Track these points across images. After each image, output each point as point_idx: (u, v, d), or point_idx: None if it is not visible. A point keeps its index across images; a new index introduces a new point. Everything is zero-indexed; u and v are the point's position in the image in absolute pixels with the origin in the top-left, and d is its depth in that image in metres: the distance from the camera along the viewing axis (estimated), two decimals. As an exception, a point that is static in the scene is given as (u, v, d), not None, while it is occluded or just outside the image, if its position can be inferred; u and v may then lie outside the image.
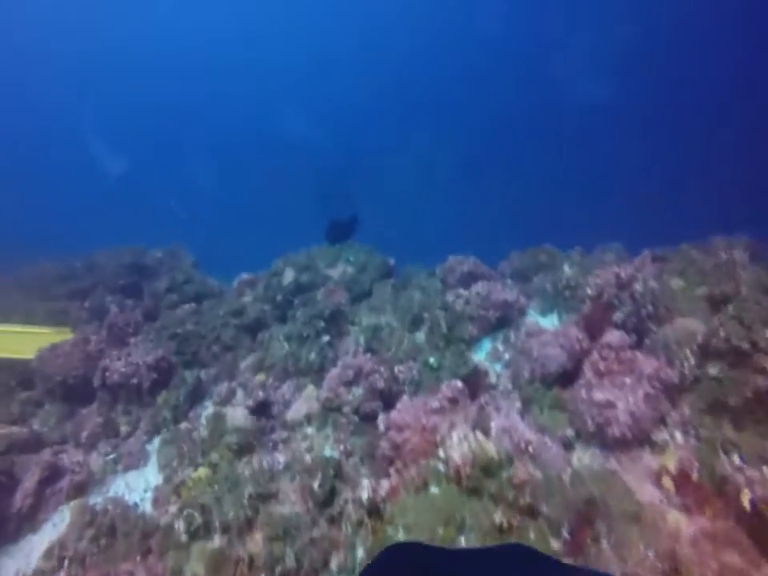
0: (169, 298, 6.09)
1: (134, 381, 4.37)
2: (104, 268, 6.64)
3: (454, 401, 3.09)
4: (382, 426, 3.10)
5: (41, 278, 6.77)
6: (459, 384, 3.19)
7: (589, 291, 3.76)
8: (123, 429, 4.28)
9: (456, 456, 1.94)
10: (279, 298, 5.56)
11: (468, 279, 5.44)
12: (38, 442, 4.29)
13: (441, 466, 2.00)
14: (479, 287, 4.61)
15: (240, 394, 4.48)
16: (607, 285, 3.63)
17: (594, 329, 3.76)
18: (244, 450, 3.70)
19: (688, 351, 2.74)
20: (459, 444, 2.03)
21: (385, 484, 2.12)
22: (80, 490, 3.76)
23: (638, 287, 3.44)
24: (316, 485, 2.57)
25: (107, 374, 4.46)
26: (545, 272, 5.52)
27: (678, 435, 2.42)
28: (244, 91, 29.97)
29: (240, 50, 30.90)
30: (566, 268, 5.35)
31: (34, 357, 4.73)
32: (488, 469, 1.82)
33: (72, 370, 4.68)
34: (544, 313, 4.68)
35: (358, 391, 3.72)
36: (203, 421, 4.19)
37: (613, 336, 3.03)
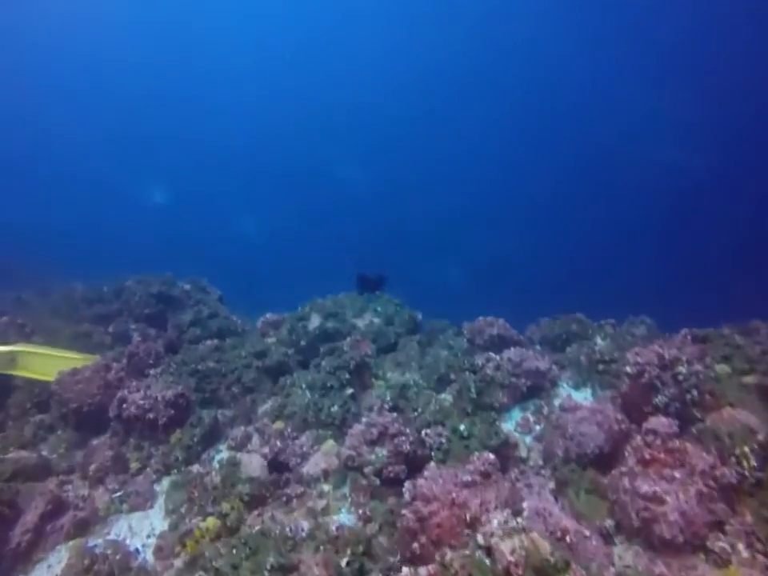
0: (192, 331, 6.07)
1: (151, 415, 4.26)
2: (132, 294, 6.69)
3: (485, 475, 2.91)
4: (407, 495, 2.92)
5: (70, 299, 6.85)
6: (491, 457, 3.01)
7: (628, 369, 3.61)
8: (133, 465, 4.13)
9: (506, 551, 1.77)
10: (303, 343, 5.50)
11: (497, 343, 5.34)
12: (45, 470, 4.17)
13: (486, 560, 1.83)
14: (511, 353, 4.49)
15: (256, 439, 4.34)
16: (649, 364, 3.48)
17: (633, 410, 3.59)
18: (256, 501, 3.52)
19: (747, 449, 2.56)
20: (505, 535, 1.87)
21: (423, 572, 1.94)
22: (81, 528, 3.59)
23: (682, 369, 3.29)
24: (344, 562, 2.39)
25: (124, 405, 4.37)
26: (576, 342, 5.39)
27: (742, 548, 2.20)
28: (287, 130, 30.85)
29: (281, 94, 32.06)
30: (599, 340, 5.24)
31: (54, 380, 4.69)
32: (541, 572, 1.65)
33: (89, 397, 4.62)
34: (577, 386, 4.51)
35: (381, 452, 3.55)
36: (216, 465, 4.04)
37: (659, 422, 2.86)
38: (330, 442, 3.97)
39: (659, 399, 3.25)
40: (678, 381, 3.25)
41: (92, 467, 4.11)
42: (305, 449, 4.05)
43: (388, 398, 4.14)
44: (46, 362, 4.92)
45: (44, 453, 4.44)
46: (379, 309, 5.82)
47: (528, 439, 3.92)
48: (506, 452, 3.54)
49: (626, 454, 3.00)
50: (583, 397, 4.34)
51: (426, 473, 3.00)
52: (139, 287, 6.65)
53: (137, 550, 3.40)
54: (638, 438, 2.97)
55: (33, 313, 6.55)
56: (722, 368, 3.57)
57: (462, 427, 3.58)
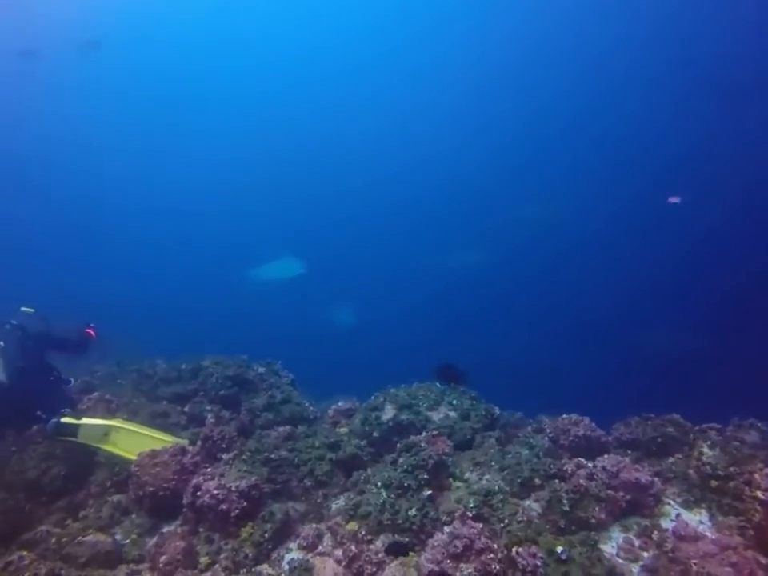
0: (265, 416, 6.08)
1: (224, 507, 4.17)
2: (209, 375, 6.89)
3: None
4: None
5: (151, 377, 7.16)
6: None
7: (760, 495, 3.15)
8: (203, 560, 3.98)
9: None
10: (376, 434, 5.34)
11: (583, 444, 4.93)
12: (117, 558, 4.13)
13: None
14: (606, 461, 4.08)
15: (328, 539, 4.10)
16: (785, 490, 3.02)
17: (768, 544, 3.07)
18: (329, 617, 3.23)
19: None
20: None
21: None
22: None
23: (832, 502, 2.81)
24: None
25: (198, 493, 4.32)
26: (675, 449, 4.86)
27: None
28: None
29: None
30: (706, 449, 4.67)
31: (134, 460, 4.78)
32: None
33: (165, 482, 4.62)
34: (688, 505, 3.97)
35: (467, 569, 3.21)
36: (286, 567, 3.82)
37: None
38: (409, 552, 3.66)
39: (807, 537, 2.75)
40: (830, 515, 2.76)
41: (163, 558, 4.00)
42: (380, 555, 3.75)
43: (471, 505, 3.81)
44: (135, 441, 5.05)
45: (117, 536, 4.42)
46: (455, 402, 5.60)
47: (635, 569, 3.40)
48: (613, 584, 3.08)
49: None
50: (698, 520, 3.79)
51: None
52: (217, 368, 6.85)
53: None
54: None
55: (119, 389, 6.89)
56: None
57: (559, 549, 3.19)
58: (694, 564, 2.92)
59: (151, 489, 4.59)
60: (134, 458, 4.82)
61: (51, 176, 32.21)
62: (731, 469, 4.04)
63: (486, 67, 29.43)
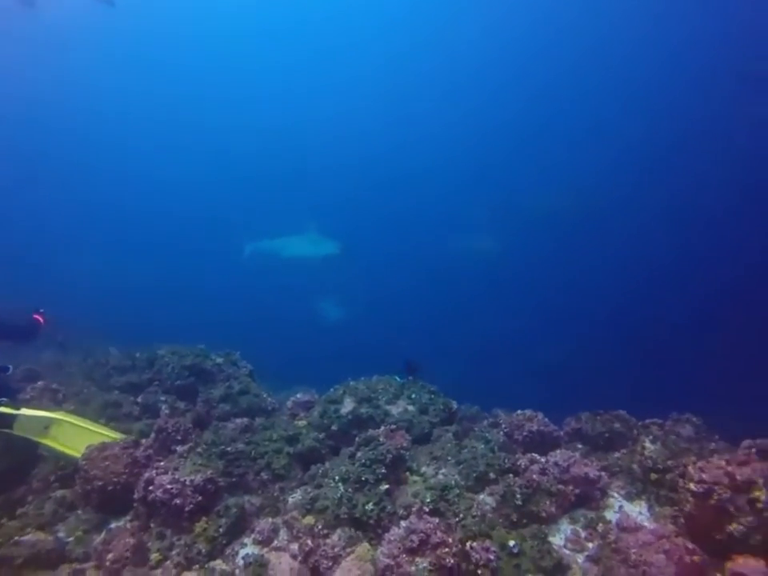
0: (222, 407, 5.97)
1: (177, 501, 4.06)
2: (165, 364, 6.68)
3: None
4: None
5: (104, 366, 6.87)
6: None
7: (693, 487, 3.35)
8: (154, 557, 3.88)
9: None
10: (335, 427, 5.34)
11: (537, 440, 5.10)
12: (59, 557, 3.96)
13: None
14: (558, 457, 4.24)
15: (284, 534, 4.07)
16: (718, 484, 3.22)
17: (700, 535, 3.28)
18: (283, 613, 3.22)
19: None
20: None
21: None
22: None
23: (760, 496, 3.03)
24: None
25: (150, 488, 4.19)
26: (621, 443, 5.11)
27: None
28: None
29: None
30: (648, 443, 4.93)
31: (82, 454, 4.57)
32: None
33: (115, 476, 4.46)
34: (630, 497, 4.18)
35: (422, 564, 3.27)
36: (241, 562, 3.77)
37: (748, 565, 2.58)
38: (365, 546, 3.69)
39: (736, 529, 2.96)
40: (757, 509, 2.97)
41: (110, 556, 3.87)
42: (336, 549, 3.76)
43: (428, 500, 3.88)
44: (79, 436, 4.82)
45: (60, 534, 4.24)
46: (414, 396, 5.66)
47: (581, 559, 3.57)
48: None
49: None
50: (638, 511, 4.01)
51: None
52: (173, 358, 6.64)
53: None
54: (718, 576, 2.67)
55: (67, 378, 6.57)
56: (803, 496, 3.26)
57: (511, 543, 3.30)
58: (633, 553, 3.09)
59: (100, 483, 4.42)
60: (76, 454, 4.59)
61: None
62: (669, 462, 4.29)
63: (501, 51, 28.22)
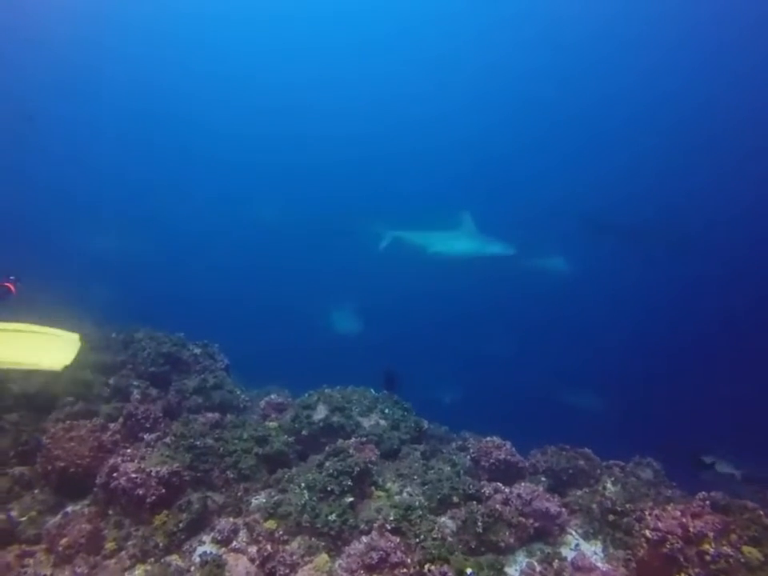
0: (194, 399, 5.92)
1: (140, 492, 4.02)
2: (141, 348, 6.58)
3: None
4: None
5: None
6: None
7: (648, 534, 3.46)
8: (109, 545, 3.83)
9: None
10: (305, 433, 5.35)
11: (503, 469, 5.17)
12: (9, 536, 3.87)
13: None
14: (521, 489, 4.32)
15: (243, 535, 4.06)
16: (671, 534, 3.34)
17: (650, 581, 3.39)
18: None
19: None
20: None
21: None
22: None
23: (709, 549, 3.15)
24: None
25: (114, 474, 4.14)
26: (583, 481, 5.23)
27: None
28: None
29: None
30: (609, 485, 5.06)
31: (49, 434, 4.47)
32: None
33: (78, 458, 4.40)
34: (587, 536, 4.29)
35: (379, 581, 3.31)
36: (197, 560, 3.75)
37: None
38: (324, 557, 3.71)
39: (684, 579, 3.08)
40: (705, 561, 3.10)
41: (63, 541, 3.80)
42: (294, 557, 3.78)
43: (392, 518, 3.92)
44: (19, 343, 4.32)
45: (13, 513, 4.14)
46: (387, 411, 5.70)
47: (534, 593, 3.65)
48: (512, 606, 3.29)
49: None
50: (593, 551, 4.11)
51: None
52: (150, 343, 6.56)
53: None
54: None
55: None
56: (752, 553, 3.38)
57: (468, 571, 3.36)
58: (586, 594, 3.19)
59: (62, 464, 4.35)
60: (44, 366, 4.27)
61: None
62: (627, 505, 4.42)
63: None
